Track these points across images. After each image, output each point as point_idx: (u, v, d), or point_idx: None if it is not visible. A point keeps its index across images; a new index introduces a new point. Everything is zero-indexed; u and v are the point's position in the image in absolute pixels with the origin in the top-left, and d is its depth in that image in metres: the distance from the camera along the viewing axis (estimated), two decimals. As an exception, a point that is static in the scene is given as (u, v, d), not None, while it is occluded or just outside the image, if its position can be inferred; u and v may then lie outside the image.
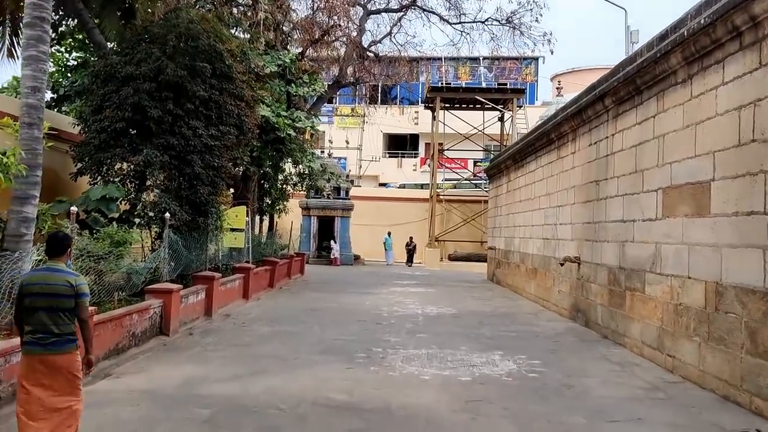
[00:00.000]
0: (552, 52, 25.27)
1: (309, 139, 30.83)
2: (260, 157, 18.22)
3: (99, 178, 12.13)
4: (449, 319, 13.87)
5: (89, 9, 13.98)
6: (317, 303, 16.14)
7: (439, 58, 43.95)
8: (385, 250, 34.49)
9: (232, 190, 18.72)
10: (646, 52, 9.96)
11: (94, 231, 10.01)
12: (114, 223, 11.41)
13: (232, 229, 18.24)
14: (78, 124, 12.46)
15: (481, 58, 41.75)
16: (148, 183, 12.68)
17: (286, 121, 17.62)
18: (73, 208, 7.85)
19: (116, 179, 11.94)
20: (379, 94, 50.04)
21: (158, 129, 11.73)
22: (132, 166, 11.72)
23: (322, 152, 35.91)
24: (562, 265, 13.90)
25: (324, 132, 48.38)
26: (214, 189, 12.75)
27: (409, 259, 33.92)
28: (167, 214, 11.16)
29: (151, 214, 11.69)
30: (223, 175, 12.91)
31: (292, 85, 19.19)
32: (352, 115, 43.65)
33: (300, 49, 21.40)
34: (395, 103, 50.38)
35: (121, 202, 12.04)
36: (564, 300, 14.54)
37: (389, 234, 34.50)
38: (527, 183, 18.98)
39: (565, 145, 14.91)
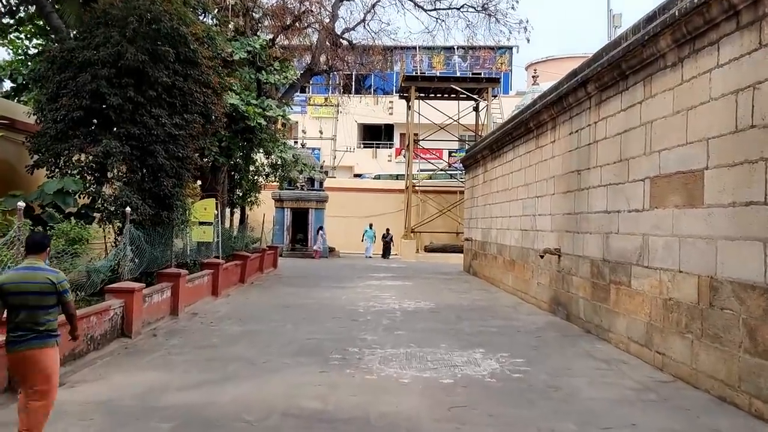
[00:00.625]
0: (528, 40, 24.99)
1: (281, 129, 30.15)
2: (229, 148, 17.54)
3: (56, 170, 11.39)
4: (427, 314, 13.40)
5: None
6: (290, 299, 15.57)
7: (414, 48, 43.40)
8: (366, 241, 33.59)
9: (199, 182, 18.03)
10: (632, 35, 9.53)
11: (48, 227, 9.32)
12: (72, 218, 10.72)
13: (201, 223, 17.59)
14: (34, 114, 11.69)
15: (456, 47, 41.31)
16: (110, 175, 11.97)
17: (256, 109, 16.95)
18: (20, 204, 7.18)
19: (74, 171, 11.21)
20: (353, 84, 49.37)
21: (118, 118, 11.03)
22: (90, 158, 10.99)
23: (296, 143, 35.21)
24: (541, 257, 13.50)
25: (297, 122, 47.61)
26: (179, 181, 12.08)
27: (386, 252, 33.24)
28: (128, 209, 10.49)
29: (111, 208, 10.98)
30: (189, 167, 12.24)
31: (263, 72, 18.49)
32: (326, 105, 42.95)
33: (271, 36, 20.68)
34: (369, 93, 49.76)
35: (79, 196, 11.33)
36: (543, 293, 14.16)
37: (371, 225, 33.63)
38: (504, 173, 18.56)
39: (544, 134, 14.48)
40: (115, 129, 11.04)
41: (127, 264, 10.50)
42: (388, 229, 33.61)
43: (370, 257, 32.77)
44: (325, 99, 38.46)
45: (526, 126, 15.77)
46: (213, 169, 19.43)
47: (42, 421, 4.98)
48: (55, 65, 11.21)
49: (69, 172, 11.15)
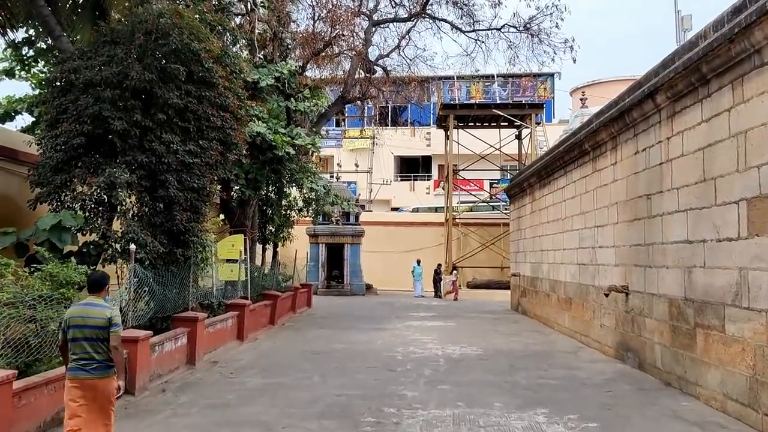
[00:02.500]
0: (575, 60, 23.35)
1: (316, 161, 29.08)
2: (257, 179, 16.36)
3: (59, 205, 10.25)
4: (475, 361, 11.79)
5: (57, 15, 12.24)
6: (321, 343, 14.12)
7: (451, 77, 42.39)
8: (414, 279, 31.06)
9: (222, 216, 16.84)
10: (713, 32, 8.01)
11: (32, 269, 8.09)
12: (72, 258, 9.52)
13: (229, 261, 16.39)
14: (37, 143, 10.63)
15: (495, 75, 40.19)
16: (121, 209, 10.79)
17: (284, 138, 15.77)
18: None
19: (76, 205, 10.04)
20: (389, 115, 48.41)
21: (124, 144, 9.87)
22: (92, 189, 9.81)
23: (331, 176, 34.13)
24: (606, 295, 11.81)
25: (333, 156, 46.72)
26: (195, 215, 10.85)
27: (438, 290, 30.67)
28: (132, 246, 9.24)
29: (116, 246, 9.75)
30: (206, 198, 11.00)
31: (292, 100, 17.38)
32: (361, 138, 41.88)
33: (300, 63, 19.64)
34: (406, 125, 48.69)
35: (82, 233, 10.14)
36: (608, 336, 12.43)
37: (418, 262, 31.26)
38: (556, 201, 16.95)
39: (603, 155, 12.91)
40: (119, 157, 9.87)
41: (131, 308, 9.19)
42: (439, 265, 31.27)
43: (423, 296, 30.13)
44: (360, 131, 37.39)
45: (580, 148, 14.21)
46: (241, 203, 18.28)
47: None
48: (56, 89, 10.15)
49: (71, 205, 9.98)
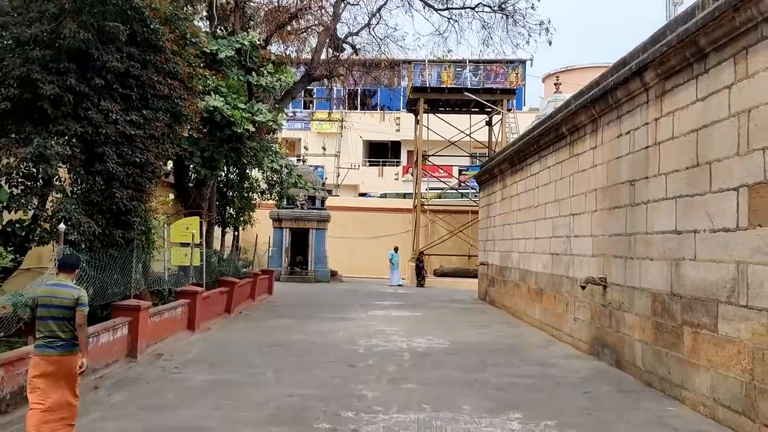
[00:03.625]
0: (550, 43, 22.60)
1: (282, 143, 27.94)
2: (213, 158, 15.27)
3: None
4: (442, 356, 11.00)
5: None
6: (279, 334, 13.20)
7: (422, 61, 41.58)
8: (391, 267, 29.22)
9: (172, 196, 15.75)
10: (712, 1, 7.24)
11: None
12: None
13: (183, 245, 15.35)
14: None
15: (467, 61, 39.46)
16: (54, 184, 9.69)
17: (244, 114, 14.71)
18: None
19: (1, 179, 8.93)
20: (358, 99, 47.40)
21: (56, 112, 8.77)
22: (18, 161, 8.70)
23: (298, 159, 33.05)
24: (583, 288, 11.09)
25: (300, 139, 45.58)
26: (138, 193, 9.82)
27: (421, 279, 29.20)
28: (62, 226, 8.19)
29: (46, 225, 8.68)
30: (150, 175, 9.95)
31: (253, 74, 16.29)
32: (330, 120, 40.78)
33: (264, 36, 18.51)
34: (376, 110, 47.71)
35: (8, 210, 9.04)
36: (582, 330, 11.75)
37: (396, 249, 29.71)
38: (528, 188, 16.21)
39: (582, 139, 12.16)
40: (51, 126, 8.76)
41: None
42: (422, 252, 30.09)
43: (401, 285, 28.45)
44: (329, 114, 36.36)
45: (557, 132, 13.45)
46: (197, 184, 17.20)
47: (74, 420, 5.64)
48: (-21, 48, 9.01)
49: (-2, 181, 8.87)
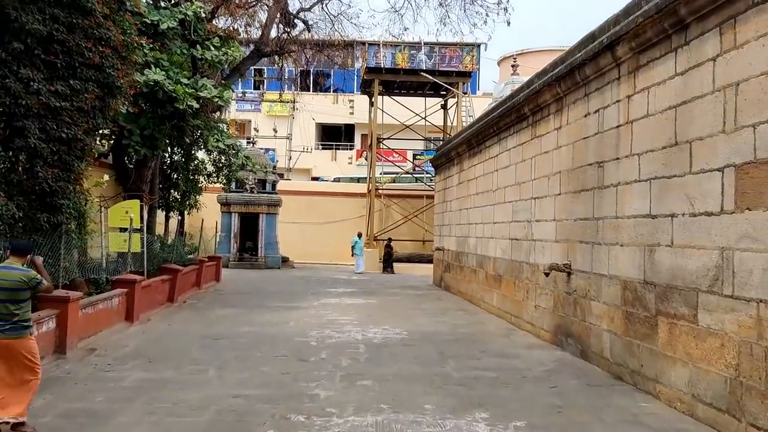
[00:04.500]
0: (509, 23, 22.45)
1: (232, 124, 26.79)
2: (153, 137, 14.22)
3: None
4: (399, 348, 10.36)
5: None
6: (225, 325, 12.37)
7: (377, 43, 40.82)
8: (354, 254, 28.13)
9: (107, 177, 14.68)
10: (695, -34, 6.69)
11: None
12: None
13: (122, 230, 14.30)
14: None
15: (422, 44, 38.84)
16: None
17: (187, 90, 13.70)
18: None
19: None
20: (311, 81, 46.33)
21: (-34, 79, 7.72)
22: None
23: (248, 142, 31.91)
24: (547, 275, 10.58)
25: (250, 120, 44.29)
26: (65, 173, 8.82)
27: (388, 266, 28.29)
28: (-29, 208, 7.21)
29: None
30: (79, 153, 8.97)
31: (198, 47, 15.26)
32: (281, 102, 39.59)
33: (210, 7, 17.43)
34: (329, 92, 46.68)
35: None
36: (544, 319, 11.26)
37: (359, 235, 28.71)
38: (487, 171, 15.67)
39: (545, 119, 11.62)
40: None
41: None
42: (390, 239, 29.11)
43: (361, 273, 27.17)
44: (280, 95, 35.21)
45: (518, 112, 12.89)
46: (138, 165, 16.10)
47: (30, 397, 5.84)
48: None
49: None
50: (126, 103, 11.21)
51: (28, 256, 6.07)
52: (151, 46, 11.53)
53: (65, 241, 9.64)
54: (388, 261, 28.30)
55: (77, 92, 8.62)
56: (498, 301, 14.25)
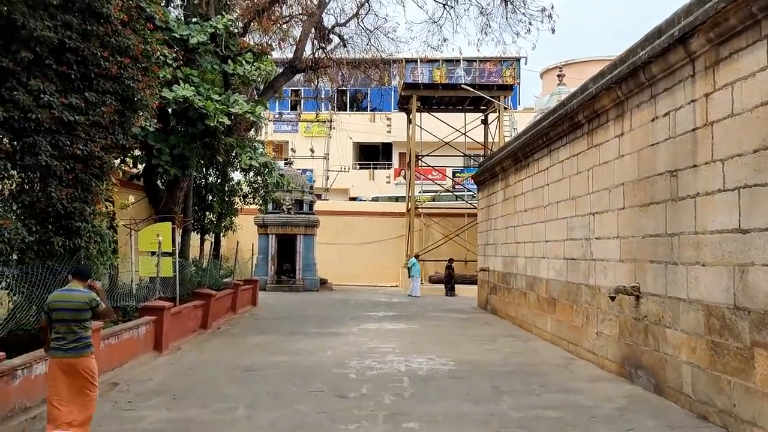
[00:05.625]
0: (553, 31, 21.02)
1: (269, 145, 26.23)
2: (184, 156, 13.59)
3: None
4: (447, 381, 9.36)
5: None
6: (258, 355, 11.54)
7: (414, 60, 40.26)
8: (411, 276, 26.07)
9: (132, 198, 14.07)
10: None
11: None
12: None
13: (153, 254, 13.69)
14: None
15: (461, 59, 38.12)
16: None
17: (218, 106, 13.04)
18: None
19: None
20: (348, 99, 45.90)
21: (-29, 92, 7.09)
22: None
23: (286, 162, 31.40)
24: (612, 298, 9.49)
25: (287, 141, 43.96)
26: (82, 192, 8.13)
27: (450, 288, 26.42)
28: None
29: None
30: (97, 171, 8.27)
31: (229, 62, 14.64)
32: (317, 121, 39.09)
33: (242, 23, 16.87)
34: (366, 111, 46.12)
35: None
36: (608, 347, 10.15)
37: (416, 256, 27.07)
38: (536, 186, 14.63)
39: (604, 126, 10.59)
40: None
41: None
42: (451, 259, 27.35)
43: (417, 297, 25.10)
44: (316, 114, 34.65)
45: (571, 121, 11.88)
46: (169, 185, 15.50)
47: (89, 415, 6.04)
48: None
49: None
50: (149, 117, 10.55)
51: (89, 279, 6.35)
52: (174, 55, 10.84)
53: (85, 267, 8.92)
54: (450, 282, 26.64)
55: (93, 105, 7.95)
56: (552, 327, 13.14)
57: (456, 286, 26.85)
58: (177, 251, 14.59)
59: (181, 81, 12.88)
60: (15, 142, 7.53)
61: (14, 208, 7.68)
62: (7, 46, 7.28)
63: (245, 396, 8.32)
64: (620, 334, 9.68)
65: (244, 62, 14.88)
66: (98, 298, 6.13)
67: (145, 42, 8.81)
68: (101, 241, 9.18)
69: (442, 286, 27.31)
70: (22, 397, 7.31)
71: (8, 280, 7.22)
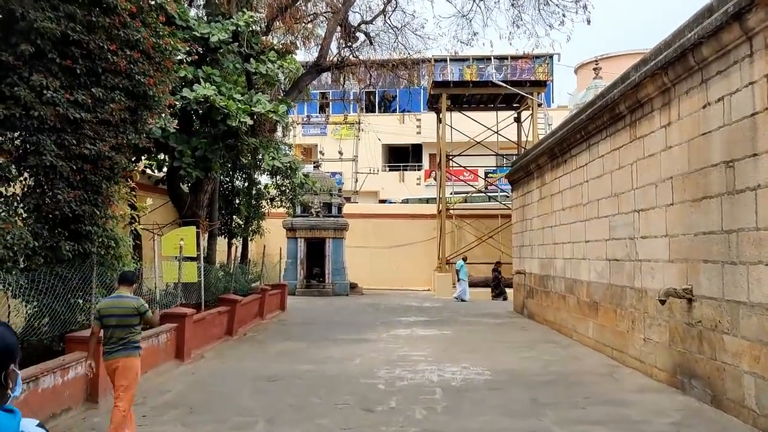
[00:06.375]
0: (589, 22, 20.14)
1: (298, 149, 25.76)
2: (207, 158, 13.15)
3: None
4: (484, 392, 8.70)
5: None
6: (283, 363, 11.01)
7: (443, 59, 39.52)
8: (460, 280, 25.29)
9: (150, 200, 13.66)
10: None
11: None
12: None
13: (187, 258, 13.28)
14: None
15: (492, 57, 37.31)
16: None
17: (240, 106, 12.57)
18: None
19: None
20: (376, 100, 45.40)
21: (-31, 88, 6.67)
22: None
23: (315, 165, 30.97)
24: (663, 302, 8.73)
25: (316, 144, 43.56)
26: (91, 195, 7.68)
27: (499, 292, 25.37)
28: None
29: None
30: (107, 172, 7.82)
31: (252, 60, 14.17)
32: (346, 123, 38.62)
33: (265, 21, 16.43)
34: (395, 112, 45.55)
35: None
36: (657, 355, 9.38)
37: (464, 259, 26.06)
38: (574, 183, 13.87)
39: (648, 116, 9.84)
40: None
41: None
42: (498, 263, 26.46)
43: (465, 300, 24.49)
44: (344, 116, 34.09)
45: (612, 112, 11.13)
46: (193, 189, 15.10)
47: (120, 421, 6.05)
48: None
49: None
50: (168, 117, 10.10)
51: (134, 284, 6.64)
52: (188, 49, 10.36)
53: (98, 273, 8.49)
54: (498, 286, 25.67)
55: (101, 102, 7.50)
56: (594, 332, 12.37)
57: (490, 288, 26.04)
58: (201, 256, 14.16)
59: (202, 80, 12.45)
60: (18, 142, 7.10)
61: (19, 211, 7.27)
62: (6, 38, 6.85)
63: (266, 409, 7.79)
64: (671, 341, 8.91)
65: (267, 61, 14.43)
66: (146, 305, 6.40)
67: (156, 36, 8.34)
68: (116, 246, 8.71)
69: (479, 289, 26.50)
70: (34, 411, 6.87)
71: (11, 288, 6.77)
